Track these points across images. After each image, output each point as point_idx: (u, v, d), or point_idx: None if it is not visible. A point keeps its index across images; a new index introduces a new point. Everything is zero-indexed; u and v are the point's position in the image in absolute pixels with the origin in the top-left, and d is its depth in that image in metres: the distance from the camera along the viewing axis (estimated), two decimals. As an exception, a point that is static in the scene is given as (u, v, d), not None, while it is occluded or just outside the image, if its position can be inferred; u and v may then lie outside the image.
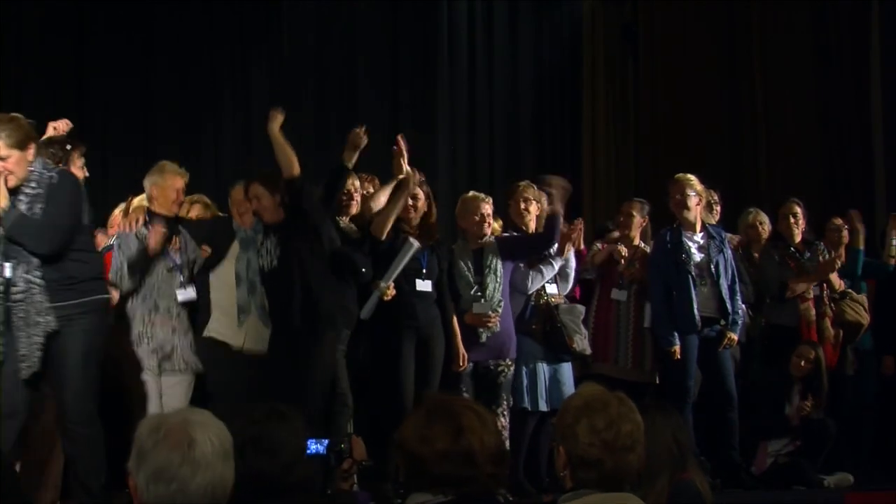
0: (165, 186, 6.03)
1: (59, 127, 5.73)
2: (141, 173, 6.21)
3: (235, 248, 6.11)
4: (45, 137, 5.53)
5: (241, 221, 6.18)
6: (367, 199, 6.38)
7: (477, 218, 6.62)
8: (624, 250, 6.97)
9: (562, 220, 6.59)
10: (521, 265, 6.70)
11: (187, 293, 6.01)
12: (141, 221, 6.00)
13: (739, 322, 6.90)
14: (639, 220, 7.13)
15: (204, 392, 5.99)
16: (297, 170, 5.86)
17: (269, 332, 5.97)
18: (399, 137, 6.30)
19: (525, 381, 6.62)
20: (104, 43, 8.81)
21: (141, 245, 5.95)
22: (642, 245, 7.11)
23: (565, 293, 6.90)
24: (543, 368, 6.68)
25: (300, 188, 5.86)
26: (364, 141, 6.06)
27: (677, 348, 6.71)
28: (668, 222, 6.98)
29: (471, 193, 6.79)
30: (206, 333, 6.03)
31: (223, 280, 6.08)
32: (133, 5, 8.73)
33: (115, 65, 8.79)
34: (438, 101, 9.84)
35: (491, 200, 6.72)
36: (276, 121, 5.88)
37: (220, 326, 6.05)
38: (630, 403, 2.85)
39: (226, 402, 5.77)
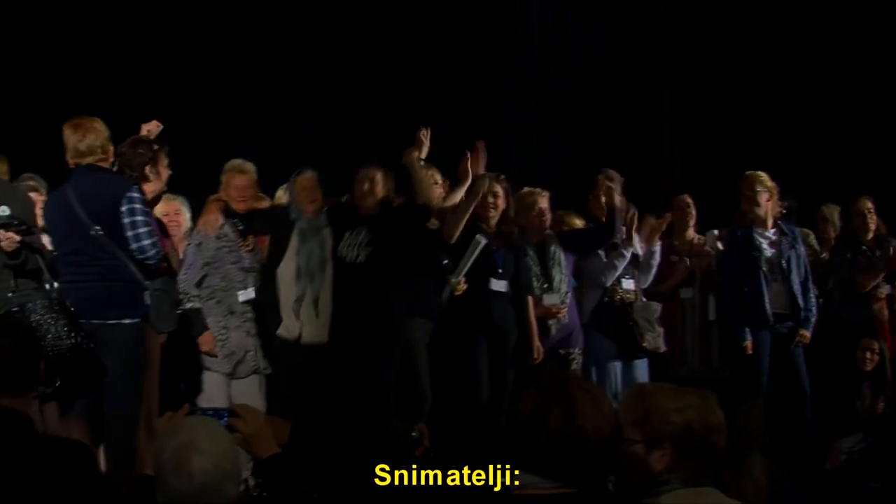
0: (227, 185, 6.14)
1: (150, 129, 5.80)
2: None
3: (293, 240, 6.08)
4: (132, 138, 5.65)
5: (305, 210, 6.11)
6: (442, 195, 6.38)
7: (535, 213, 6.67)
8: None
9: (622, 211, 6.61)
10: (600, 257, 6.77)
11: (248, 293, 6.05)
12: (220, 220, 6.06)
13: (812, 319, 6.90)
14: (694, 213, 7.18)
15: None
16: (434, 200, 6.06)
17: (328, 322, 6.00)
18: (478, 143, 6.34)
19: (594, 379, 6.64)
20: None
21: (219, 245, 6.02)
22: (697, 238, 7.14)
23: (644, 286, 6.94)
24: (615, 366, 6.74)
25: (428, 216, 6.04)
26: (425, 142, 6.07)
27: (749, 343, 6.75)
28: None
29: (526, 189, 6.83)
30: (278, 332, 6.05)
31: (286, 278, 6.06)
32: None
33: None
34: (511, 100, 9.84)
35: (547, 195, 6.76)
36: (417, 151, 6.00)
37: (286, 323, 6.05)
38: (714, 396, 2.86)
39: (291, 396, 5.93)
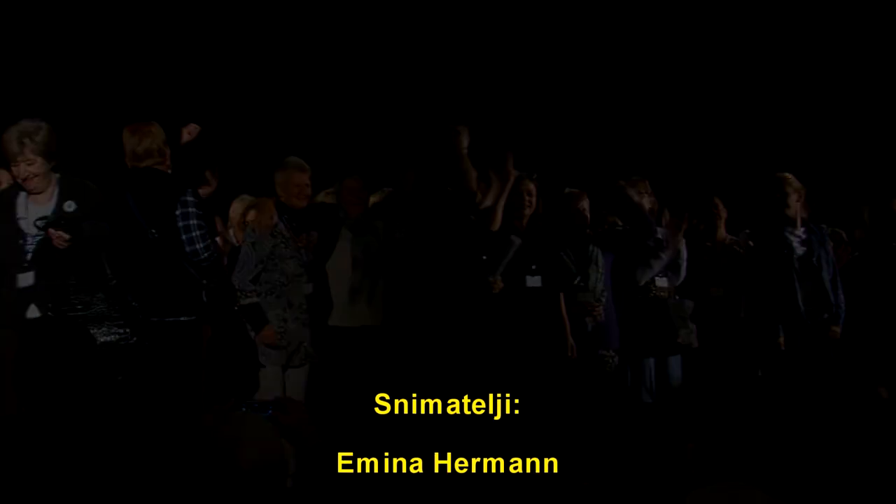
0: (287, 182, 6.22)
1: (190, 132, 5.94)
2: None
3: (345, 235, 6.32)
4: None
5: (352, 211, 6.37)
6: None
7: (575, 212, 6.80)
8: None
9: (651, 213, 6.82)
10: (636, 256, 6.91)
11: (309, 287, 6.19)
12: (275, 219, 6.16)
13: (842, 315, 6.99)
14: (724, 214, 7.32)
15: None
16: (475, 186, 6.21)
17: (382, 307, 6.23)
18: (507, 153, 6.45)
19: (629, 376, 6.80)
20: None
21: (274, 242, 6.13)
22: (728, 238, 7.32)
23: (676, 284, 7.06)
24: (650, 363, 6.86)
25: (473, 203, 6.22)
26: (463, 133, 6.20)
27: (782, 339, 6.88)
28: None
29: (567, 190, 6.96)
30: (330, 322, 6.24)
31: (339, 270, 6.29)
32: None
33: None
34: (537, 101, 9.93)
35: (587, 196, 6.89)
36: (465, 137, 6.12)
37: (340, 313, 6.26)
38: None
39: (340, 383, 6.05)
